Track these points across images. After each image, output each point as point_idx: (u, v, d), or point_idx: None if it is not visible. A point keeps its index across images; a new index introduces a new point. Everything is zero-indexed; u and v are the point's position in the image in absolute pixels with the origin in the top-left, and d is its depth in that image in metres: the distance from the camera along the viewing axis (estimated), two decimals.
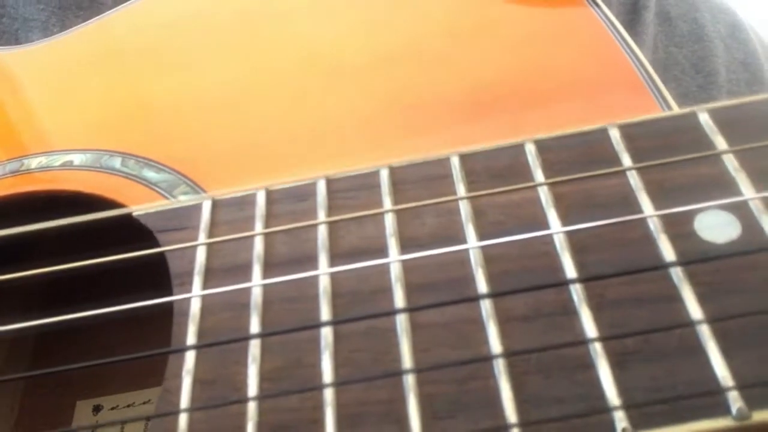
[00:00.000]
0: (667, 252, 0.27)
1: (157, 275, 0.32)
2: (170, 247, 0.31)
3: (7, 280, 0.32)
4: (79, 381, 0.46)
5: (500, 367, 0.25)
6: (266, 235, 0.31)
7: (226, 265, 0.31)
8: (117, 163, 0.39)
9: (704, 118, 0.30)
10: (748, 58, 0.66)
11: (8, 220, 0.34)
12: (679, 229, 0.27)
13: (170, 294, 0.31)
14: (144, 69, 0.46)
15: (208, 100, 0.41)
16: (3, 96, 0.47)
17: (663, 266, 0.26)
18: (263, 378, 0.27)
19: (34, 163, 0.41)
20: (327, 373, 0.26)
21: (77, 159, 0.40)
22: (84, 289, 0.34)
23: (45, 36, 0.55)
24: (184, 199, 0.35)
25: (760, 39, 0.69)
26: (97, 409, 0.47)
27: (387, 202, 0.31)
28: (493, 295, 0.27)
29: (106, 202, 0.37)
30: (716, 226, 0.27)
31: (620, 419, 0.23)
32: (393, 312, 0.27)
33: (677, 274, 0.26)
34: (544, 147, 0.31)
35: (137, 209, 0.34)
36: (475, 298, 0.27)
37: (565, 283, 0.26)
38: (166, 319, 0.30)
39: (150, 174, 0.38)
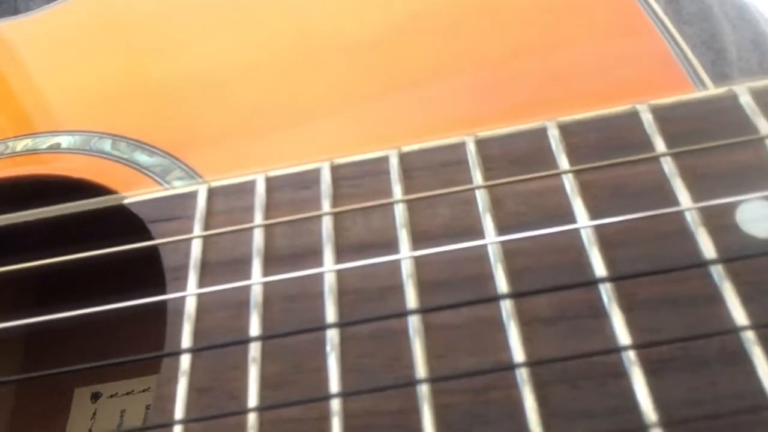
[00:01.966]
0: (707, 248, 0.24)
1: (151, 267, 0.29)
2: (162, 240, 0.29)
3: None
4: None
5: (523, 375, 0.23)
6: (266, 227, 0.29)
7: (224, 259, 0.28)
8: (107, 145, 0.36)
9: (745, 99, 0.27)
10: (758, 37, 0.65)
11: None
12: (719, 221, 0.25)
13: (165, 287, 0.29)
14: (139, 46, 0.43)
15: (204, 79, 0.39)
16: None
17: (702, 264, 0.24)
18: (264, 384, 0.25)
19: (19, 145, 0.38)
20: (333, 381, 0.24)
21: (65, 141, 0.37)
22: (77, 280, 0.32)
23: None
24: (178, 186, 0.32)
25: (767, 20, 0.67)
26: (95, 396, 0.46)
27: (397, 191, 0.28)
28: (514, 295, 0.24)
29: (95, 187, 0.35)
30: (760, 219, 0.25)
31: None
32: (404, 313, 0.25)
33: (718, 272, 0.24)
34: (568, 130, 0.28)
35: (128, 197, 0.31)
36: (495, 299, 0.25)
37: (593, 282, 0.24)
38: (163, 310, 0.28)
39: (142, 157, 0.35)
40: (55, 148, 0.37)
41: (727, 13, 0.65)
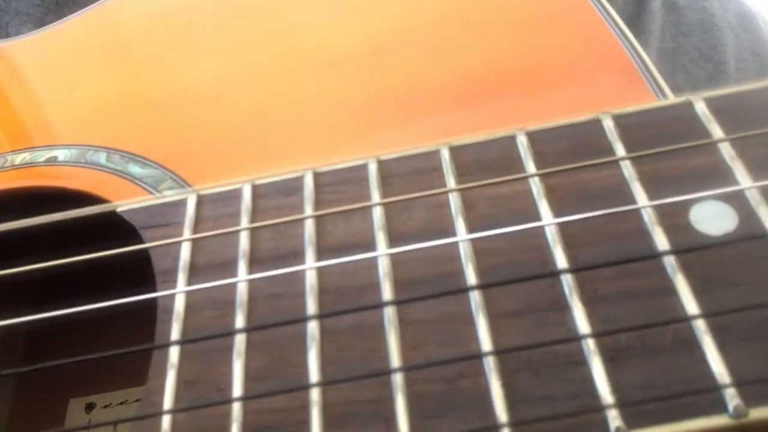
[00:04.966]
0: (662, 244, 0.26)
1: (143, 273, 0.31)
2: (153, 244, 0.30)
3: None
4: (71, 379, 0.46)
5: (490, 364, 0.25)
6: (252, 231, 0.30)
7: (211, 262, 0.30)
8: (102, 158, 0.38)
9: (700, 107, 0.29)
10: (758, 47, 0.65)
11: None
12: (674, 220, 0.27)
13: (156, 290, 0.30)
14: (131, 62, 0.45)
15: (197, 94, 0.41)
16: None
17: (654, 255, 0.25)
18: (248, 377, 0.26)
19: (18, 159, 0.40)
20: (313, 372, 0.26)
21: (61, 155, 0.39)
22: (74, 288, 0.33)
23: None
24: (168, 195, 0.34)
25: None
26: (90, 407, 0.47)
27: (375, 196, 0.30)
28: (482, 286, 0.26)
29: (91, 198, 0.37)
30: (712, 218, 0.26)
31: (614, 418, 0.23)
32: (381, 305, 0.26)
33: (672, 266, 0.25)
34: (535, 138, 0.30)
35: (121, 205, 0.33)
36: (464, 290, 0.26)
37: (556, 273, 0.26)
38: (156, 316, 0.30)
39: (135, 169, 0.37)
40: (52, 161, 0.39)
41: (729, 22, 0.65)
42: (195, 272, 0.30)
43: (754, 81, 0.30)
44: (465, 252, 0.27)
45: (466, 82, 0.37)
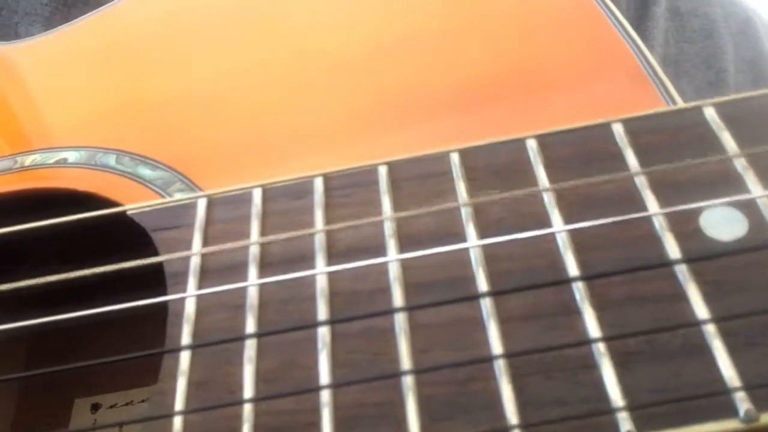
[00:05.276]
0: (672, 250, 0.26)
1: (153, 274, 0.31)
2: (166, 257, 0.30)
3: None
4: (77, 379, 0.46)
5: (501, 367, 0.25)
6: (262, 235, 0.30)
7: (222, 265, 0.30)
8: (112, 160, 0.38)
9: (710, 113, 0.29)
10: (755, 56, 0.65)
11: (1, 219, 0.34)
12: (685, 226, 0.27)
13: (165, 294, 0.30)
14: (139, 64, 0.45)
15: (204, 96, 0.41)
16: None
17: (667, 264, 0.26)
18: (259, 379, 0.26)
19: (27, 160, 0.40)
20: (324, 375, 0.26)
21: (71, 156, 0.39)
22: (80, 288, 0.34)
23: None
24: (178, 197, 0.34)
25: None
26: (95, 407, 0.47)
27: (385, 200, 0.30)
28: (493, 293, 0.26)
29: (100, 200, 0.37)
30: (723, 224, 0.26)
31: (624, 421, 0.23)
32: (391, 311, 0.27)
33: (682, 272, 0.25)
34: (545, 143, 0.30)
35: (131, 208, 0.33)
36: (475, 297, 0.26)
37: (567, 281, 0.26)
38: (164, 319, 0.30)
39: (145, 171, 0.37)
40: (62, 163, 0.39)
41: (730, 28, 0.65)
42: (205, 276, 0.30)
43: (751, 90, 0.30)
44: (476, 257, 0.28)
45: (469, 86, 0.37)
